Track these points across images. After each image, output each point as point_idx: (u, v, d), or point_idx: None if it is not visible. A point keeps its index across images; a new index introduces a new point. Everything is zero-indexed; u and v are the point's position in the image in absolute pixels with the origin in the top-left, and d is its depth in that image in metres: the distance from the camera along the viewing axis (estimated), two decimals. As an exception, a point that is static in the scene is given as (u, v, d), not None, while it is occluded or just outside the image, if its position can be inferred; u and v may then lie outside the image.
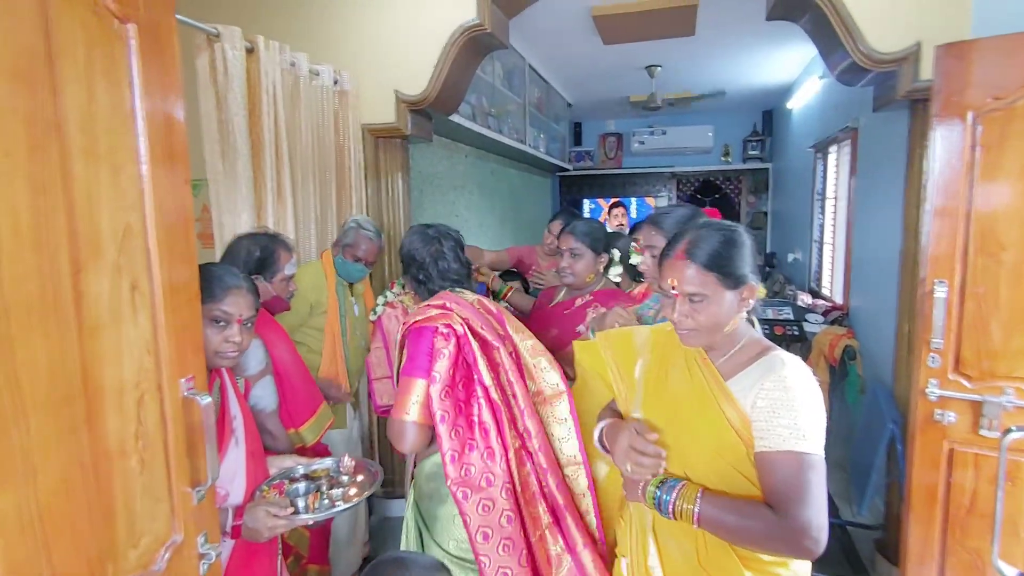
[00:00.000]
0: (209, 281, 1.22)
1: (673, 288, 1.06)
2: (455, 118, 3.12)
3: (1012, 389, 1.63)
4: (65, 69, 0.66)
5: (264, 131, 2.11)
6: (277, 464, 1.44)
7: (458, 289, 1.56)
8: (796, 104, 5.26)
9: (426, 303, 1.46)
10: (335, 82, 2.56)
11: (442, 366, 1.32)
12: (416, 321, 1.39)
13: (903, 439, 2.22)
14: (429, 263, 1.54)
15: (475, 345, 1.37)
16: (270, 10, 2.76)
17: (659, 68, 4.79)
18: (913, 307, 2.31)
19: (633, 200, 7.36)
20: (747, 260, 1.06)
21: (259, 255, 1.72)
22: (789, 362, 1.03)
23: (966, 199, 1.63)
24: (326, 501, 1.33)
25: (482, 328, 1.42)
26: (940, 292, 1.66)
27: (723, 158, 7.01)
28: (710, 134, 6.68)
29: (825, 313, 3.67)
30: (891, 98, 2.24)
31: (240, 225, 2.02)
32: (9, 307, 0.59)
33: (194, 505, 0.90)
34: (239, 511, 1.24)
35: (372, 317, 2.31)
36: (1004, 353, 1.63)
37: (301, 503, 1.30)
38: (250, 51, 2.09)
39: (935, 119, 1.67)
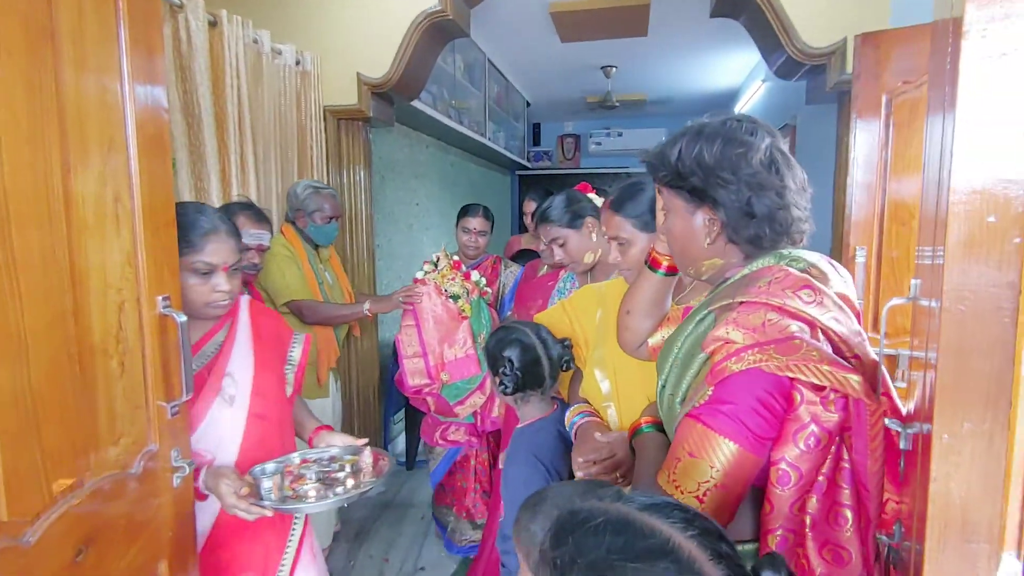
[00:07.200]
0: (185, 226, 1.05)
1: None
2: (417, 104, 3.19)
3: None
4: (58, -19, 0.71)
5: (228, 104, 2.13)
6: (327, 440, 1.29)
7: (798, 248, 0.86)
8: (742, 108, 5.56)
9: (755, 296, 0.76)
10: (297, 62, 2.59)
11: (805, 460, 0.71)
12: (759, 357, 0.70)
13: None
14: (764, 197, 0.83)
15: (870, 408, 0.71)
16: (233, -13, 2.76)
17: (614, 69, 4.97)
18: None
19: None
20: None
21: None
22: None
23: (882, 173, 1.81)
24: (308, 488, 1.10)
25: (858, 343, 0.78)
26: (860, 257, 1.83)
27: (676, 160, 7.30)
28: (663, 138, 6.92)
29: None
30: (822, 91, 2.44)
31: (210, 191, 2.04)
32: (8, 194, 0.64)
33: (168, 419, 0.94)
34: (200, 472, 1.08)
35: None
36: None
37: (266, 484, 1.08)
38: (213, 24, 2.11)
39: (856, 100, 1.85)
